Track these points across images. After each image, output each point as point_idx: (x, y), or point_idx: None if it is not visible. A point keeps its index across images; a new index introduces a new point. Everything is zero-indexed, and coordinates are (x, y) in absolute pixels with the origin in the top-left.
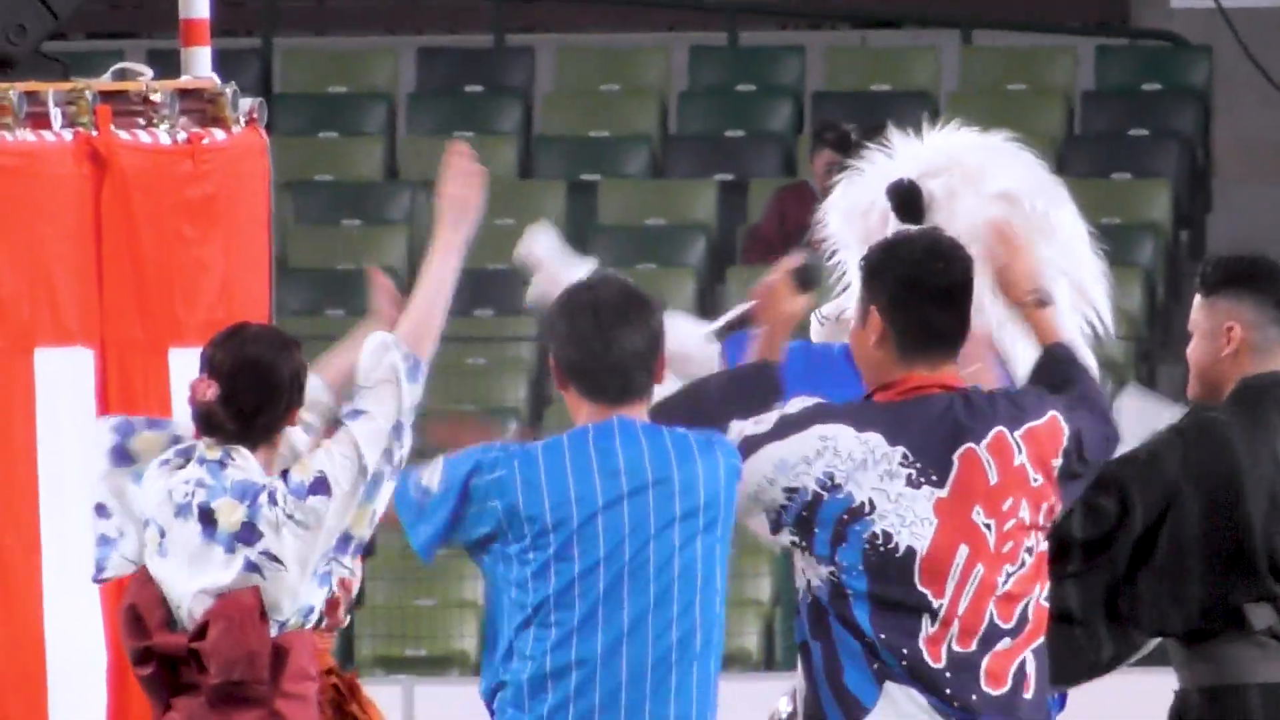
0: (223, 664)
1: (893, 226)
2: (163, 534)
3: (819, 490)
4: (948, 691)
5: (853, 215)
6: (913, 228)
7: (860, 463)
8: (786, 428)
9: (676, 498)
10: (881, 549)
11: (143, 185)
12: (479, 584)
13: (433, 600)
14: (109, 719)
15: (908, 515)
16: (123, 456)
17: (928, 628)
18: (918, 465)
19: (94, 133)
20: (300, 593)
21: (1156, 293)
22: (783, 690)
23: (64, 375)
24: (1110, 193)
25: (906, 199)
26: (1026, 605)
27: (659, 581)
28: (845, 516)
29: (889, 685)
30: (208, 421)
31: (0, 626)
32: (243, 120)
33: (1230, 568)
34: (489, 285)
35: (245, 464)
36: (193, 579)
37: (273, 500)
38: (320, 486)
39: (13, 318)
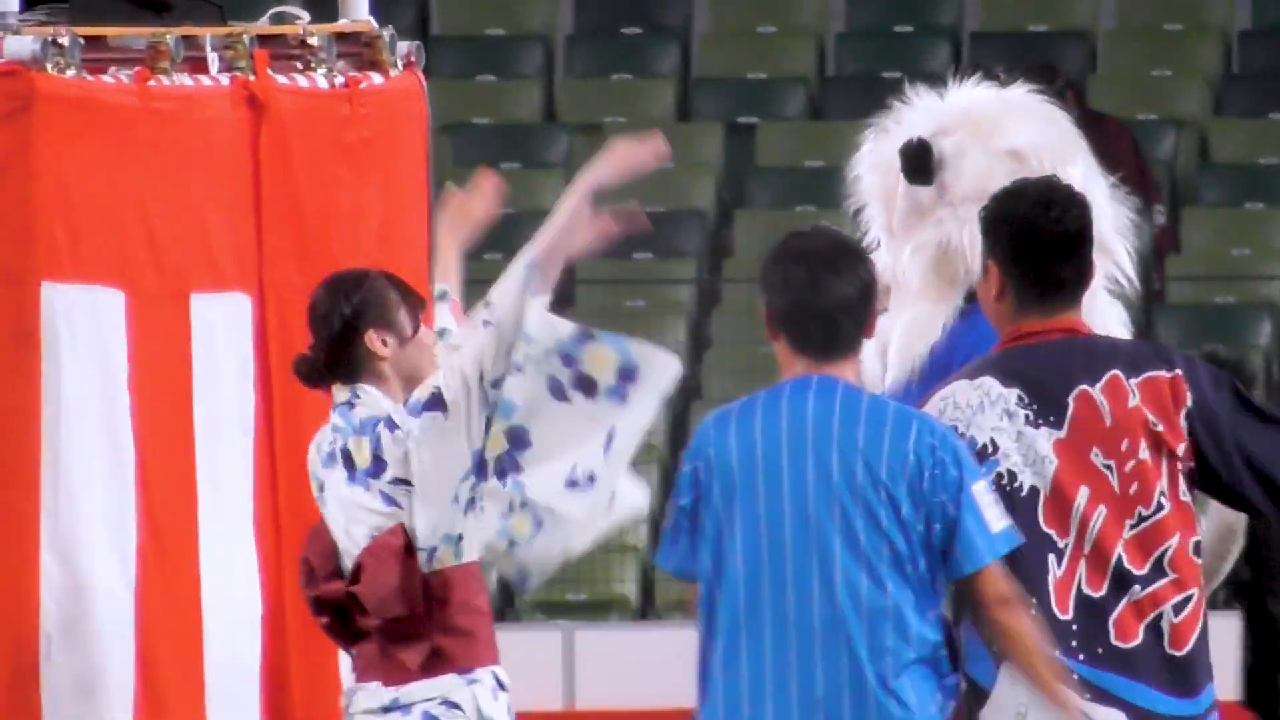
0: (375, 603)
1: (903, 185)
2: (321, 487)
3: None
4: (1073, 644)
5: (877, 170)
6: (1030, 179)
7: (977, 407)
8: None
9: (859, 465)
10: (1007, 489)
11: (300, 129)
12: (640, 528)
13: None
14: (262, 667)
15: (1029, 454)
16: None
17: (1054, 569)
18: (1034, 407)
19: (251, 77)
20: (438, 518)
21: None
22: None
23: (220, 321)
24: (1268, 132)
25: (913, 160)
26: (1164, 553)
27: (820, 547)
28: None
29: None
30: (299, 372)
31: (158, 572)
32: (400, 63)
33: None
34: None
35: (368, 398)
36: (349, 525)
37: (390, 425)
38: (435, 403)
39: (169, 263)
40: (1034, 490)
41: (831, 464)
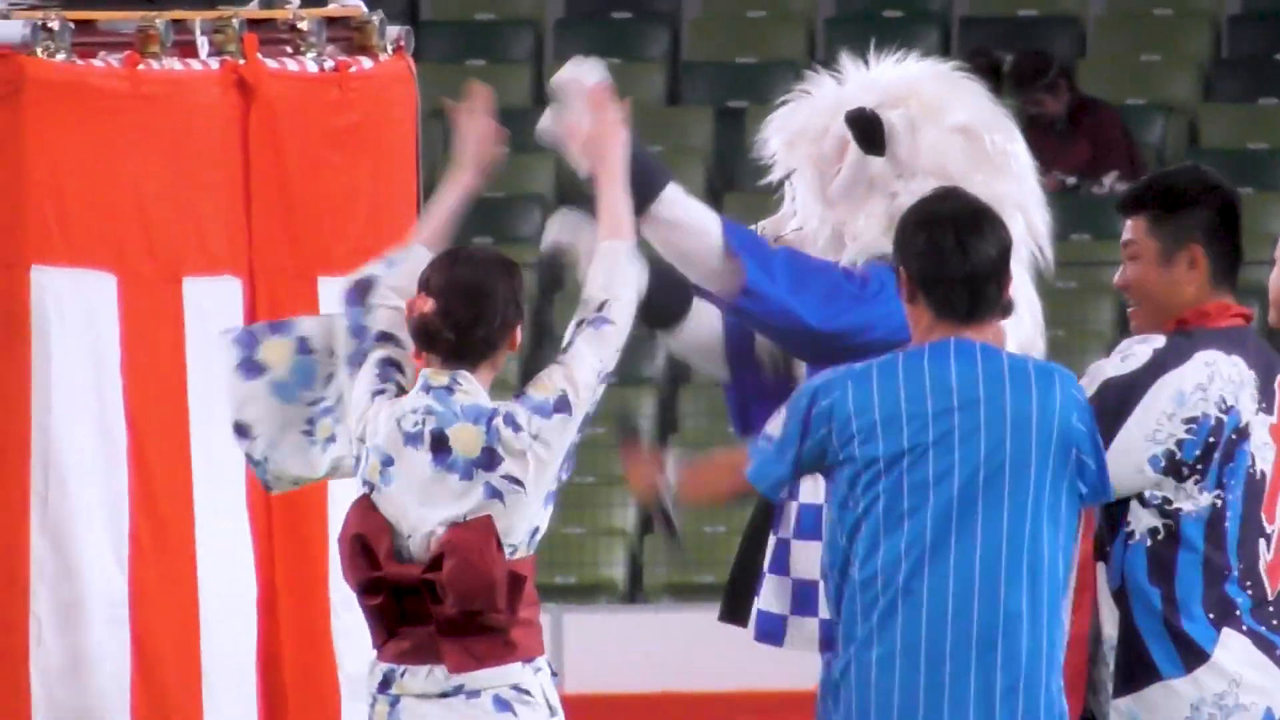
0: (460, 596)
1: (851, 155)
2: (388, 463)
3: (1219, 414)
4: (1275, 623)
5: (802, 140)
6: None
7: (1239, 384)
8: (1164, 363)
9: (1007, 424)
10: (1250, 470)
11: (290, 114)
12: (628, 512)
13: (582, 529)
14: (258, 645)
15: (1258, 439)
16: (252, 369)
17: (1265, 554)
18: (1259, 392)
19: (241, 61)
20: (534, 516)
21: None
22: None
23: (212, 304)
24: (1257, 117)
25: (868, 129)
26: None
27: (987, 507)
28: (1234, 436)
29: (1227, 632)
30: (426, 334)
31: (153, 556)
32: (389, 48)
33: None
34: None
35: (471, 387)
36: (426, 508)
37: (512, 424)
38: (563, 405)
39: (161, 247)
40: (1263, 475)
41: (979, 422)
